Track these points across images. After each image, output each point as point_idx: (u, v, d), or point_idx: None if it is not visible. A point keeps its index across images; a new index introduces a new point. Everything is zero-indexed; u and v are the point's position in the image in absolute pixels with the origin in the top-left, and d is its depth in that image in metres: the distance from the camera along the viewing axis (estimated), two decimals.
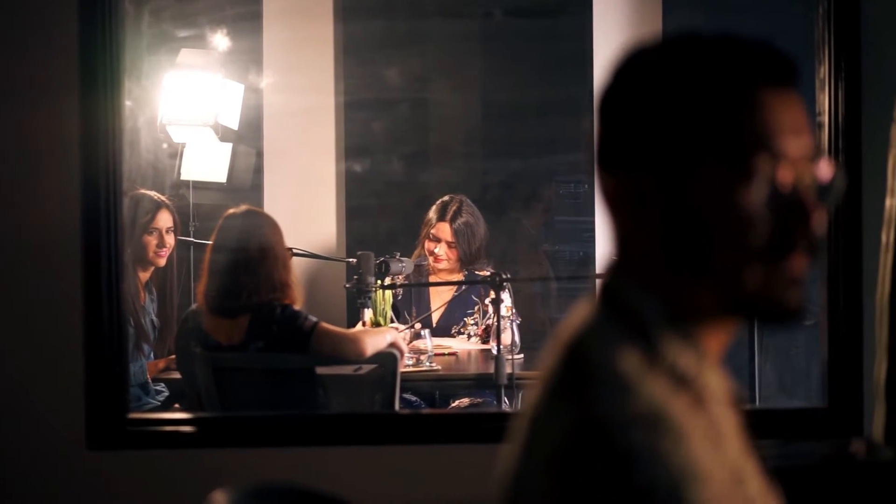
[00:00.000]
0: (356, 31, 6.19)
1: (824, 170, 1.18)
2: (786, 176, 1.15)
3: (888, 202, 2.55)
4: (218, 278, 4.04)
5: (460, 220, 5.10)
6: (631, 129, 1.19)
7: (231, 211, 4.20)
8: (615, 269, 1.22)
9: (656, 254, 1.18)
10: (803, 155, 1.16)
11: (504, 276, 4.48)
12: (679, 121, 1.16)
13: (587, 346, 1.16)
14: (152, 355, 4.68)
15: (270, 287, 3.96)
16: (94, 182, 3.04)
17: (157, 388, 4.59)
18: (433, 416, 3.78)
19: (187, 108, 5.55)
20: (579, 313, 1.22)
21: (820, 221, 1.16)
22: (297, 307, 4.02)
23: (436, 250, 5.11)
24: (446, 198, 5.19)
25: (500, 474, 1.19)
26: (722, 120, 1.15)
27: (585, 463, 1.06)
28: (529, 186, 6.70)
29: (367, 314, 4.70)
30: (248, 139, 5.87)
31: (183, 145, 5.65)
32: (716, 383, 1.19)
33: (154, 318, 4.76)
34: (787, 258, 1.16)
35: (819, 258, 1.18)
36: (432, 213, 5.16)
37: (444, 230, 5.10)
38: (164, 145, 5.59)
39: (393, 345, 4.15)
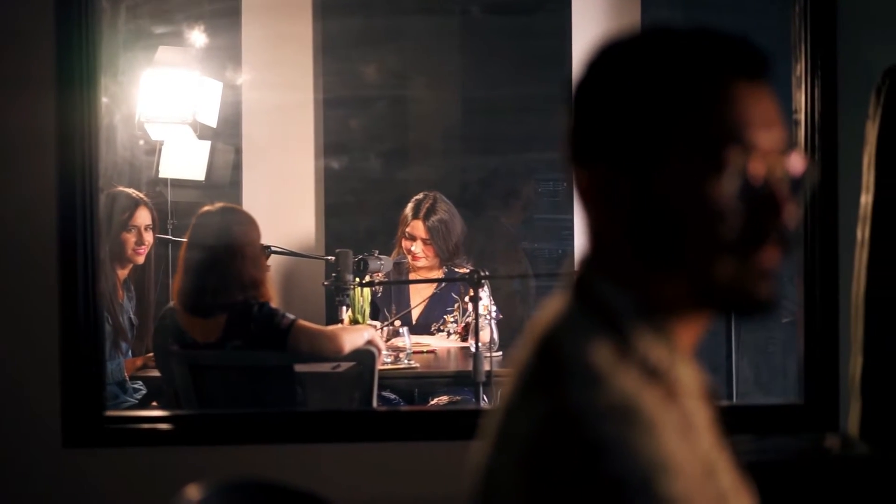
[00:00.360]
0: (335, 28, 6.18)
1: (796, 163, 1.18)
2: (757, 169, 1.15)
3: (863, 199, 2.57)
4: (191, 276, 4.05)
5: (434, 218, 5.09)
6: (603, 122, 1.19)
7: (206, 208, 4.19)
8: (588, 262, 1.23)
9: (628, 247, 1.19)
10: (775, 148, 1.17)
11: (482, 274, 4.48)
12: (651, 113, 1.16)
13: (559, 339, 1.17)
14: (130, 353, 4.67)
15: (240, 285, 3.96)
16: (71, 179, 3.03)
17: (135, 385, 4.58)
18: (411, 413, 3.79)
19: (165, 106, 5.54)
20: (552, 307, 1.22)
21: (791, 214, 1.16)
22: (274, 306, 4.02)
23: (412, 248, 5.10)
24: (420, 195, 5.19)
25: (473, 468, 1.19)
26: (693, 113, 1.15)
27: (557, 455, 1.06)
28: (508, 184, 6.69)
29: (346, 312, 4.69)
30: (226, 136, 5.85)
31: (161, 143, 5.63)
32: (688, 376, 1.20)
33: (132, 315, 4.75)
34: (759, 251, 1.16)
35: (791, 251, 1.19)
36: (407, 212, 5.16)
37: (419, 228, 5.09)
38: (141, 142, 5.57)
39: (370, 342, 4.15)
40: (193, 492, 1.84)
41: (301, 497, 2.13)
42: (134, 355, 4.68)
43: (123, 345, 4.61)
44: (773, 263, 1.17)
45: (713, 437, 1.20)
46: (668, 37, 1.20)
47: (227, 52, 5.80)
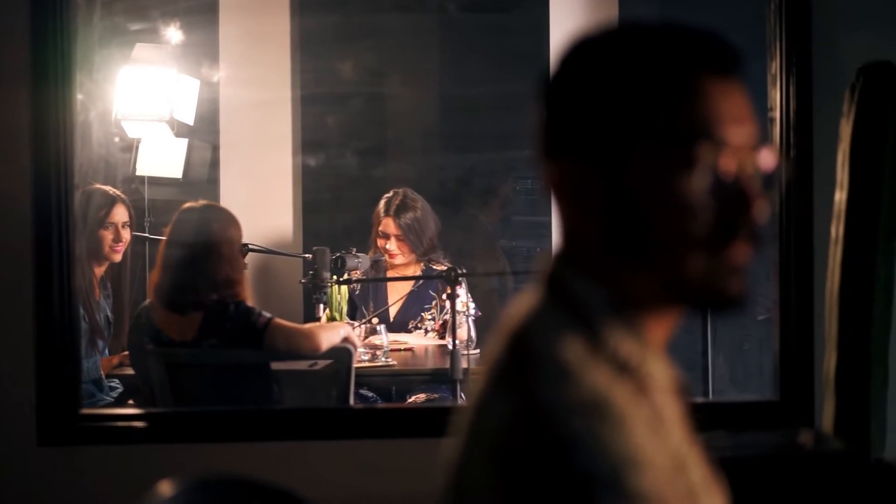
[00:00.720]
0: (313, 26, 6.17)
1: (767, 159, 1.18)
2: (728, 164, 1.15)
3: (838, 196, 2.59)
4: (169, 273, 4.05)
5: (405, 213, 5.08)
6: (575, 117, 1.19)
7: (188, 205, 4.19)
8: (560, 257, 1.23)
9: (600, 242, 1.19)
10: (746, 144, 1.17)
11: (460, 272, 4.48)
12: (622, 108, 1.16)
13: (530, 334, 1.17)
14: (107, 351, 4.66)
15: (215, 285, 3.96)
16: (46, 175, 3.02)
17: (112, 384, 4.57)
18: (387, 411, 3.79)
19: (142, 104, 5.52)
20: (524, 302, 1.22)
21: (762, 210, 1.17)
22: (249, 304, 4.01)
23: (388, 246, 5.10)
24: (390, 193, 5.19)
25: (445, 464, 1.19)
26: (664, 108, 1.15)
27: (526, 449, 1.06)
28: (486, 182, 6.70)
29: (323, 310, 4.69)
30: (203, 133, 5.84)
31: (138, 140, 5.62)
32: (660, 372, 1.20)
33: (109, 313, 4.73)
34: (729, 247, 1.16)
35: (762, 247, 1.19)
36: (378, 210, 5.16)
37: (390, 225, 5.09)
38: (117, 139, 5.55)
39: (346, 340, 4.16)
40: (166, 488, 1.84)
41: (274, 493, 2.13)
42: (111, 353, 4.66)
43: (100, 343, 4.60)
44: (744, 259, 1.17)
45: (684, 431, 1.20)
46: (639, 33, 1.20)
47: (204, 49, 5.79)
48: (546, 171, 1.22)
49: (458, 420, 1.20)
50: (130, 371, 4.30)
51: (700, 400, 3.49)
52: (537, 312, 1.19)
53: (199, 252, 3.99)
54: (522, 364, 1.14)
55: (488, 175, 6.84)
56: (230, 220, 4.12)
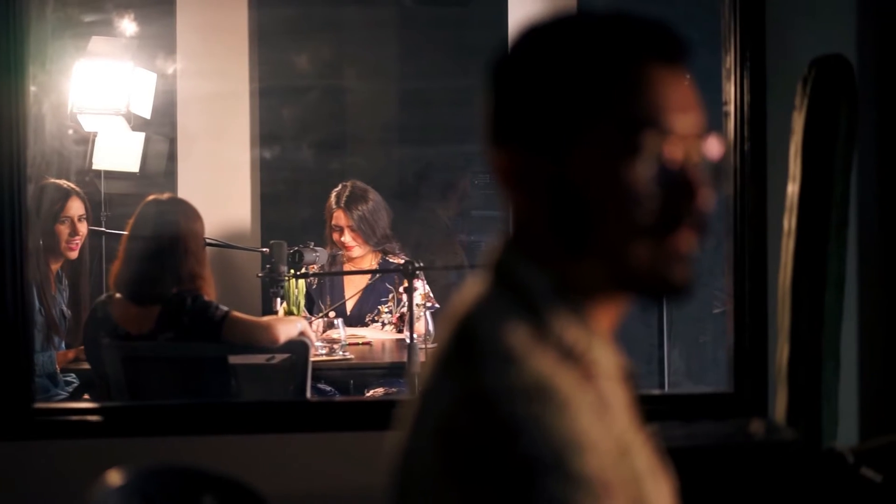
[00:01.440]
0: (271, 18, 6.14)
1: (713, 147, 1.19)
2: (673, 153, 1.16)
3: (790, 188, 2.61)
4: (132, 265, 4.02)
5: (355, 205, 5.11)
6: (521, 105, 1.19)
7: (152, 197, 4.17)
8: (507, 244, 1.23)
9: (546, 229, 1.19)
10: (692, 132, 1.17)
11: (417, 265, 4.49)
12: (567, 96, 1.17)
13: (476, 320, 1.17)
14: (63, 346, 4.62)
15: (178, 278, 3.95)
16: None
17: (67, 378, 4.54)
18: (344, 404, 3.79)
19: (98, 97, 5.49)
20: (471, 289, 1.23)
21: (707, 198, 1.17)
22: (208, 298, 4.00)
23: (342, 238, 5.12)
24: (338, 186, 5.21)
25: (391, 452, 1.20)
26: (609, 96, 1.16)
27: (471, 434, 1.07)
28: (445, 176, 6.70)
29: (281, 304, 4.69)
30: (160, 126, 5.81)
31: (94, 134, 5.57)
32: (606, 359, 1.20)
33: (64, 308, 4.70)
34: (674, 235, 1.16)
35: (707, 235, 1.20)
36: (329, 203, 5.18)
37: (341, 217, 5.11)
38: (70, 131, 5.51)
39: (303, 333, 4.15)
40: (114, 478, 1.84)
41: (224, 482, 2.13)
42: (67, 348, 4.63)
43: (55, 337, 4.57)
44: (689, 247, 1.18)
45: (630, 418, 1.21)
46: (586, 21, 1.21)
47: (161, 42, 5.75)
48: (493, 158, 1.22)
49: (406, 407, 1.20)
50: (87, 366, 4.26)
51: (656, 392, 3.52)
52: (483, 299, 1.20)
53: (164, 245, 3.98)
54: (468, 350, 1.14)
55: (446, 169, 6.84)
56: (194, 215, 4.11)
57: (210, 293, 4.02)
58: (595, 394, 1.15)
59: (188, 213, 4.11)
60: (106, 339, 3.98)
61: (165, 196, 4.20)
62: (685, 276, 1.18)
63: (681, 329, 5.04)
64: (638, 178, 1.15)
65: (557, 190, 1.17)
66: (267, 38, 6.01)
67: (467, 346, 1.15)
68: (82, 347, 4.41)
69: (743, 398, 3.08)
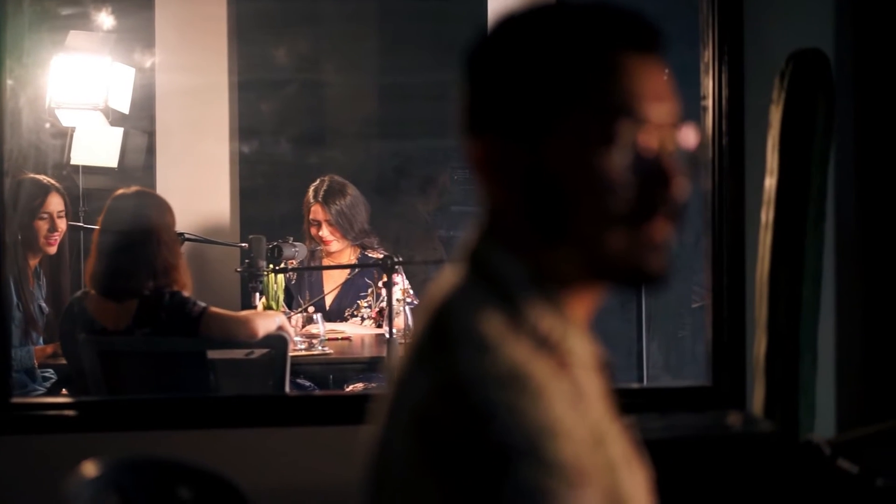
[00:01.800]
0: (250, 11, 6.13)
1: (688, 137, 1.19)
2: (648, 141, 1.16)
3: (768, 182, 2.62)
4: (106, 260, 4.01)
5: (333, 199, 5.09)
6: (497, 94, 1.20)
7: (120, 191, 4.16)
8: (482, 232, 1.23)
9: (521, 218, 1.20)
10: (667, 121, 1.18)
11: (396, 260, 4.49)
12: (542, 84, 1.17)
13: (451, 309, 1.18)
14: (41, 341, 4.61)
15: (153, 271, 3.94)
16: None
17: (45, 373, 4.52)
18: (323, 398, 3.79)
19: (76, 92, 5.47)
20: (446, 278, 1.23)
21: (681, 187, 1.17)
22: (186, 293, 3.99)
23: (320, 233, 5.11)
24: (316, 181, 5.20)
25: (366, 443, 1.20)
26: (584, 85, 1.16)
27: (446, 421, 1.07)
28: (424, 171, 6.70)
29: (260, 299, 4.69)
30: (138, 120, 5.79)
31: (72, 129, 5.56)
32: (581, 348, 1.21)
33: (42, 303, 4.68)
34: (649, 224, 1.17)
35: (681, 224, 1.20)
36: (307, 198, 5.17)
37: (319, 211, 5.10)
38: (48, 125, 5.48)
39: (281, 328, 4.15)
40: (90, 469, 1.83)
41: (200, 474, 2.13)
42: (45, 343, 4.61)
43: (33, 333, 4.55)
44: (664, 236, 1.18)
45: (605, 407, 1.22)
46: (562, 10, 1.21)
47: (140, 35, 5.73)
48: (469, 148, 1.22)
49: (381, 399, 1.21)
50: (64, 361, 4.25)
51: (634, 385, 3.53)
52: (458, 288, 1.20)
53: (137, 238, 3.97)
54: (442, 340, 1.15)
55: (426, 164, 6.84)
56: (165, 207, 4.10)
57: (185, 284, 4.02)
58: (570, 382, 1.15)
59: (158, 205, 4.11)
60: (83, 334, 3.97)
61: (132, 189, 4.19)
62: (661, 265, 1.19)
63: (660, 324, 5.06)
64: (613, 166, 1.15)
65: (533, 178, 1.18)
66: (245, 31, 5.99)
67: (442, 335, 1.15)
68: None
69: (721, 391, 3.09)
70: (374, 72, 7.48)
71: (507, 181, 1.19)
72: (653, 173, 1.16)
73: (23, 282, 4.50)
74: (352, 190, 5.16)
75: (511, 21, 1.22)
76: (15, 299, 4.38)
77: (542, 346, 1.16)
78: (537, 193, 1.18)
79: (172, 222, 4.08)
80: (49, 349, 4.57)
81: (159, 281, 3.94)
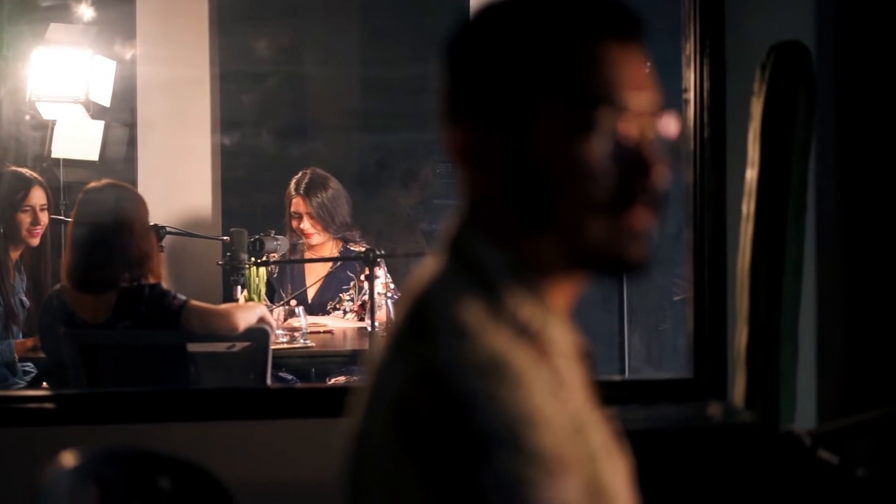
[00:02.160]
0: (231, 2, 6.12)
1: (668, 125, 1.20)
2: (628, 129, 1.17)
3: (749, 174, 2.63)
4: (78, 252, 4.01)
5: (314, 192, 5.10)
6: (477, 80, 1.20)
7: (91, 184, 4.18)
8: (463, 221, 1.24)
9: (502, 206, 1.20)
10: (646, 110, 1.18)
11: (378, 253, 4.50)
12: (522, 72, 1.17)
13: (430, 297, 1.18)
14: (21, 335, 4.60)
15: (127, 262, 3.93)
16: None
17: (25, 367, 4.51)
18: (304, 391, 3.79)
19: (57, 85, 5.46)
20: (427, 267, 1.23)
21: (662, 175, 1.18)
22: (164, 285, 3.99)
23: (301, 226, 5.11)
24: (298, 173, 5.20)
25: (345, 435, 1.20)
26: (564, 72, 1.16)
27: (425, 410, 1.07)
28: (406, 164, 6.70)
29: (241, 292, 4.68)
30: (119, 112, 5.78)
31: (53, 122, 5.54)
32: (561, 336, 1.21)
33: (23, 297, 4.67)
34: (629, 212, 1.17)
35: (662, 212, 1.21)
36: (289, 191, 5.17)
37: (300, 204, 5.11)
38: (27, 117, 5.47)
39: (262, 320, 4.14)
40: (68, 459, 1.82)
41: (179, 465, 2.12)
42: (25, 337, 4.60)
43: (14, 326, 4.54)
44: (644, 224, 1.18)
45: (585, 396, 1.22)
46: None
47: (120, 27, 5.72)
48: (449, 136, 1.23)
49: (359, 390, 1.21)
50: (44, 354, 4.24)
51: (616, 378, 3.53)
52: (439, 277, 1.20)
53: (111, 230, 3.97)
54: (421, 328, 1.15)
55: (408, 157, 6.84)
56: (137, 198, 4.12)
57: (160, 275, 4.02)
58: (550, 371, 1.15)
59: (130, 197, 4.12)
60: (62, 327, 3.96)
61: (103, 182, 4.20)
62: (641, 253, 1.19)
63: (641, 317, 5.07)
64: (593, 154, 1.16)
65: (514, 166, 1.18)
66: (227, 23, 5.99)
67: (421, 324, 1.16)
68: None
69: (702, 383, 3.10)
70: (356, 64, 7.47)
71: (487, 170, 1.20)
72: (633, 161, 1.17)
73: (3, 275, 4.49)
74: (333, 183, 5.16)
75: (492, 8, 1.22)
76: None
77: (521, 334, 1.16)
78: (519, 181, 1.18)
79: (145, 213, 4.09)
80: (29, 342, 4.56)
81: (134, 272, 3.93)
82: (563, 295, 1.23)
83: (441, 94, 1.24)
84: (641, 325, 5.10)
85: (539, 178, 1.17)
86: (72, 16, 5.75)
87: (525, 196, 1.18)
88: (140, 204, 4.07)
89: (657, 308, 5.24)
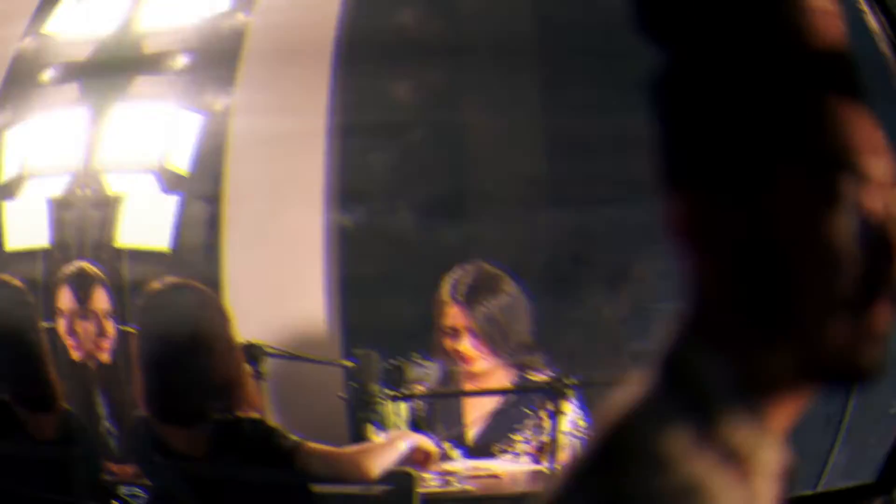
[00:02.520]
0: (367, 36, 7.55)
1: None
2: (874, 203, 1.63)
3: None
4: (150, 377, 5.62)
5: (481, 299, 6.59)
6: (702, 136, 1.67)
7: (153, 286, 5.75)
8: (681, 326, 1.71)
9: (732, 302, 1.67)
10: (887, 180, 1.65)
11: (568, 382, 5.99)
12: (762, 125, 1.64)
13: (629, 423, 1.66)
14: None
15: (209, 390, 5.48)
16: None
17: (133, 493, 6.12)
18: None
19: (129, 149, 6.99)
20: (629, 387, 1.70)
21: None
22: (269, 419, 5.67)
23: (458, 346, 6.65)
24: (457, 271, 6.67)
25: None
26: (800, 131, 1.64)
27: None
28: (612, 256, 7.99)
29: (376, 432, 6.22)
30: (201, 181, 7.35)
31: (117, 198, 6.97)
32: (771, 457, 1.68)
33: (108, 422, 6.33)
34: (871, 308, 1.65)
35: None
36: (442, 296, 6.66)
37: (457, 315, 6.59)
38: (88, 190, 6.97)
39: (415, 452, 5.78)
40: None
41: None
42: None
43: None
44: (887, 325, 1.65)
45: None
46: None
47: (215, 71, 7.31)
48: (668, 206, 1.67)
49: None
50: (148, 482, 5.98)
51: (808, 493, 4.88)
52: (644, 399, 1.68)
53: (185, 350, 5.51)
54: (611, 457, 1.65)
55: (617, 245, 8.02)
56: (215, 305, 5.74)
57: (259, 404, 5.59)
58: (745, 494, 1.66)
59: (203, 303, 5.64)
60: (161, 458, 5.71)
61: (167, 282, 5.77)
62: (878, 359, 1.66)
63: (855, 430, 6.45)
64: (840, 234, 1.62)
65: (748, 248, 1.65)
66: (357, 63, 7.55)
67: (612, 454, 1.66)
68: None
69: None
70: (537, 111, 8.69)
71: (716, 250, 1.66)
72: (879, 244, 1.63)
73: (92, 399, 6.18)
74: (509, 285, 6.66)
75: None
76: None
77: (728, 459, 1.64)
78: (754, 270, 1.65)
79: (225, 323, 5.64)
80: (129, 469, 6.29)
81: (223, 402, 5.51)
82: (785, 414, 1.69)
83: (657, 154, 1.69)
84: (852, 439, 6.43)
85: (780, 265, 1.64)
86: (160, 64, 7.36)
87: (762, 290, 1.65)
88: (218, 313, 5.68)
89: (872, 421, 6.51)
